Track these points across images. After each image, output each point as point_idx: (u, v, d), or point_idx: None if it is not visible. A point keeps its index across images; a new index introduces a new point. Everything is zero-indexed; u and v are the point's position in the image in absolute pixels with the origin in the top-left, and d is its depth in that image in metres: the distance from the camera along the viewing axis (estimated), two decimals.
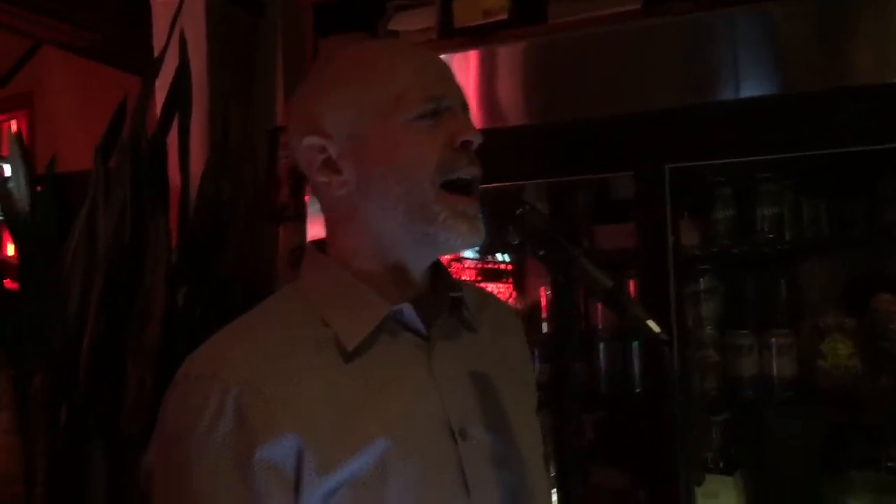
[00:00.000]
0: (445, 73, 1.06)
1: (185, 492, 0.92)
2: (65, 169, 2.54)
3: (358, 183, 1.03)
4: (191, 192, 2.43)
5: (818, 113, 1.90)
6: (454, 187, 1.02)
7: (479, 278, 2.66)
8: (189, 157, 2.42)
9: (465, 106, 1.06)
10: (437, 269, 1.11)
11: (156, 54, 2.59)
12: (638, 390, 2.20)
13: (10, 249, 5.22)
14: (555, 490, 2.18)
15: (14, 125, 5.07)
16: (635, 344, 2.21)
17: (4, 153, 5.21)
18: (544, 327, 2.47)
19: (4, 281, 2.19)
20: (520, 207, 1.04)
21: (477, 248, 2.55)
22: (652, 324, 0.92)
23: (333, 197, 1.05)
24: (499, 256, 2.76)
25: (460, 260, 2.58)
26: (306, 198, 2.55)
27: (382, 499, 0.94)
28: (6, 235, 5.31)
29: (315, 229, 2.40)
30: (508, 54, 2.29)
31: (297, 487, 0.92)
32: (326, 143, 1.03)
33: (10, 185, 2.16)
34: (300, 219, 2.66)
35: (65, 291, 2.13)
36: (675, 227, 2.02)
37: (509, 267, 2.78)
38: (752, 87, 2.03)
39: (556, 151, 2.13)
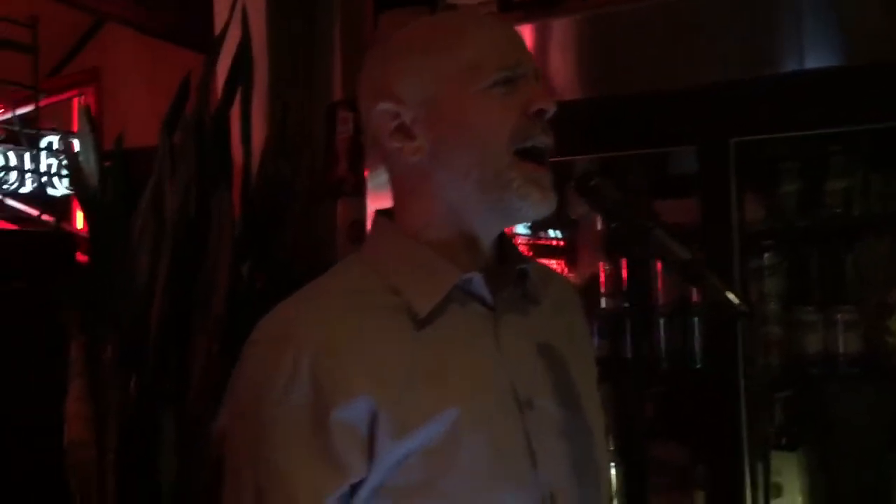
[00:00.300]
0: (519, 41, 1.04)
1: (261, 456, 0.92)
2: (130, 143, 2.57)
3: (431, 150, 1.01)
4: (252, 167, 2.44)
5: (888, 83, 1.84)
6: (527, 155, 1.00)
7: (531, 254, 2.64)
8: (251, 133, 2.43)
9: (538, 74, 1.04)
10: (503, 242, 1.10)
11: (217, 31, 2.60)
12: (698, 366, 2.16)
13: (79, 222, 5.35)
14: (614, 464, 2.16)
15: (83, 100, 5.15)
16: (695, 319, 2.18)
17: (73, 128, 5.33)
18: (602, 302, 2.44)
19: (76, 253, 2.23)
20: (592, 179, 1.02)
21: (528, 224, 2.52)
22: (731, 295, 0.90)
23: (405, 164, 1.03)
24: (550, 233, 2.74)
25: (512, 236, 2.56)
26: (366, 172, 2.54)
27: (454, 467, 0.93)
28: (74, 208, 5.43)
29: (375, 203, 2.39)
30: (568, 27, 2.25)
31: (370, 451, 0.91)
32: (400, 108, 1.01)
33: (81, 159, 2.20)
34: (359, 194, 2.66)
35: (132, 265, 2.17)
36: (740, 202, 1.97)
37: (561, 243, 2.76)
38: (818, 58, 1.97)
39: (616, 126, 2.09)
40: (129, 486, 1.99)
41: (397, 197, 1.07)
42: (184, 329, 2.10)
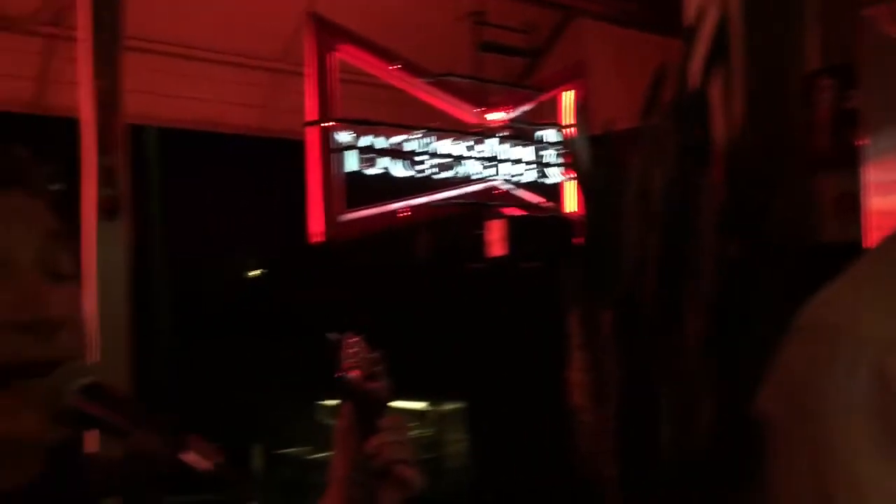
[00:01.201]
0: None
1: (823, 455, 0.83)
2: (603, 127, 2.63)
3: None
4: (733, 145, 2.33)
5: None
6: None
7: None
8: (731, 112, 2.32)
9: None
10: None
11: (688, 14, 2.52)
12: None
13: (567, 206, 5.70)
14: None
15: (571, 94, 5.47)
16: None
17: (558, 119, 5.67)
18: None
19: (573, 234, 2.33)
20: None
21: None
22: None
23: None
24: None
25: None
26: (858, 142, 2.27)
27: None
28: (562, 193, 5.81)
29: (874, 175, 2.13)
30: None
31: None
32: None
33: (577, 148, 2.29)
34: (845, 165, 2.40)
35: (622, 243, 2.20)
36: None
37: None
38: None
39: None
40: (627, 449, 2.03)
41: None
42: (674, 304, 2.08)
